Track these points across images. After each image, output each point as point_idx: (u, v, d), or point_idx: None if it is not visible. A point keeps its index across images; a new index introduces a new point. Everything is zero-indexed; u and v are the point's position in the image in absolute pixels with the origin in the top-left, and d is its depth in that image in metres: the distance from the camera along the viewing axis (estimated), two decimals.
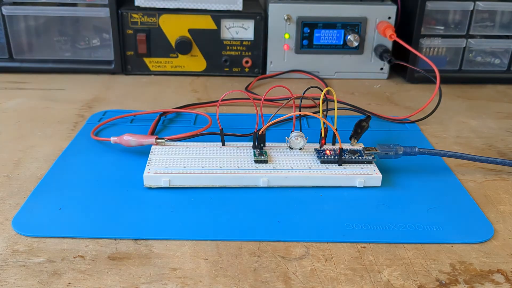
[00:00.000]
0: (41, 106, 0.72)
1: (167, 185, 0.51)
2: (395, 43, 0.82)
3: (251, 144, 0.57)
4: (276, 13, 0.82)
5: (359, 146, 0.56)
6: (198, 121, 0.67)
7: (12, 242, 0.43)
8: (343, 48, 0.84)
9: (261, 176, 0.51)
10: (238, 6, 0.81)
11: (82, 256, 0.42)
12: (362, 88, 0.83)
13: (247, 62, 0.85)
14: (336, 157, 0.54)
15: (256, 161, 0.53)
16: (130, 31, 0.82)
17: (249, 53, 0.84)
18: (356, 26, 0.83)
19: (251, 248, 0.43)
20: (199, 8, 0.81)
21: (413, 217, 0.48)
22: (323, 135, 0.55)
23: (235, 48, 0.84)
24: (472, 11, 0.81)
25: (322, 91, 0.54)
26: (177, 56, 0.84)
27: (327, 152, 0.55)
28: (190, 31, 0.82)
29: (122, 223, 0.46)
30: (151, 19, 0.81)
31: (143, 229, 0.45)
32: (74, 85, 0.80)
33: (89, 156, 0.57)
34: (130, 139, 0.57)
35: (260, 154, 0.54)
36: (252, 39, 0.83)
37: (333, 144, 0.57)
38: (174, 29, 0.82)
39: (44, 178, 0.53)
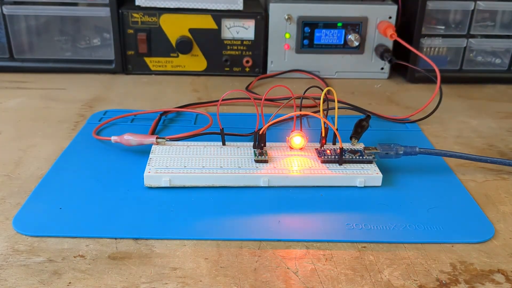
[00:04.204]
0: (42, 105, 0.72)
1: (168, 185, 0.51)
2: (395, 42, 0.82)
3: (251, 143, 0.57)
4: (276, 13, 0.82)
5: (360, 146, 0.56)
6: (199, 121, 0.67)
7: (13, 241, 0.43)
8: (344, 47, 0.84)
9: (262, 175, 0.51)
10: (239, 5, 0.81)
11: (83, 256, 0.42)
12: (363, 87, 0.83)
13: (247, 61, 0.85)
14: (336, 156, 0.54)
15: (257, 161, 0.53)
16: (131, 31, 0.82)
17: (250, 53, 0.84)
18: (356, 25, 0.83)
19: (252, 248, 0.43)
20: (199, 7, 0.81)
21: (414, 216, 0.48)
22: (323, 134, 0.55)
23: (235, 47, 0.84)
24: (472, 10, 0.81)
25: (322, 90, 0.54)
26: (177, 56, 0.84)
27: (328, 151, 0.55)
28: (190, 30, 0.82)
29: (123, 223, 0.46)
30: (151, 19, 0.81)
31: (144, 229, 0.45)
32: (74, 85, 0.80)
33: (90, 155, 0.57)
34: (130, 138, 0.57)
35: (261, 154, 0.54)
36: (253, 38, 0.83)
37: (334, 143, 0.57)
38: (174, 28, 0.82)
39: (44, 177, 0.53)
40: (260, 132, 0.55)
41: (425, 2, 0.80)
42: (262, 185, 0.52)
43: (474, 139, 0.66)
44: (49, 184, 0.51)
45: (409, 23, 0.83)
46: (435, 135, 0.66)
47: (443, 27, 0.83)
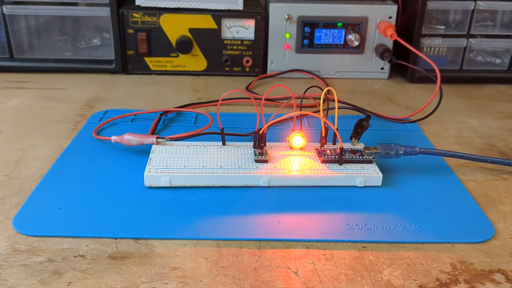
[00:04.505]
0: (42, 105, 0.72)
1: (168, 185, 0.51)
2: (395, 42, 0.82)
3: (251, 143, 0.57)
4: (276, 13, 0.82)
5: (360, 146, 0.56)
6: (199, 121, 0.67)
7: (13, 241, 0.43)
8: (344, 47, 0.84)
9: (262, 175, 0.51)
10: (239, 5, 0.81)
11: (83, 256, 0.42)
12: (363, 87, 0.83)
13: (247, 61, 0.85)
14: (336, 156, 0.54)
15: (257, 161, 0.53)
16: (131, 31, 0.82)
17: (250, 53, 0.84)
18: (356, 25, 0.83)
19: (252, 248, 0.43)
20: (199, 7, 0.81)
21: (414, 216, 0.48)
22: (323, 134, 0.55)
23: (235, 47, 0.84)
24: (473, 10, 0.81)
25: (322, 90, 0.54)
26: (177, 56, 0.84)
27: (328, 151, 0.55)
28: (190, 30, 0.82)
29: (123, 223, 0.46)
30: (151, 19, 0.81)
31: (144, 229, 0.45)
32: (74, 85, 0.80)
33: (90, 155, 0.57)
34: (130, 138, 0.57)
35: (261, 154, 0.54)
36: (253, 38, 0.83)
37: (334, 143, 0.57)
38: (174, 28, 0.82)
39: (44, 177, 0.53)
40: (260, 132, 0.55)
41: (425, 2, 0.80)
42: (262, 185, 0.52)
43: (474, 139, 0.66)
44: (49, 184, 0.51)
45: (409, 23, 0.83)
46: (435, 135, 0.66)
47: (443, 27, 0.83)
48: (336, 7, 0.82)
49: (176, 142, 0.57)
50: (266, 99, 0.71)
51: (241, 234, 0.45)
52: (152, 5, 0.81)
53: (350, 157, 0.54)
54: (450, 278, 0.40)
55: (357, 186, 0.52)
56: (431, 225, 0.47)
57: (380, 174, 0.52)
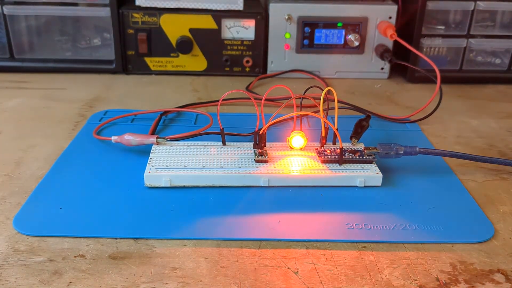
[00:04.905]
0: (42, 105, 0.72)
1: (168, 185, 0.51)
2: (395, 42, 0.82)
3: (251, 143, 0.57)
4: (277, 13, 0.82)
5: (360, 146, 0.56)
6: (199, 121, 0.67)
7: (13, 241, 0.43)
8: (344, 47, 0.84)
9: (262, 175, 0.51)
10: (239, 5, 0.81)
11: (83, 256, 0.42)
12: (363, 87, 0.83)
13: (247, 61, 0.85)
14: (336, 156, 0.54)
15: (257, 161, 0.53)
16: (131, 31, 0.82)
17: (250, 53, 0.84)
18: (356, 25, 0.83)
19: (252, 248, 0.43)
20: (200, 7, 0.81)
21: (414, 216, 0.48)
22: (323, 134, 0.55)
23: (235, 47, 0.84)
24: (472, 11, 0.81)
25: (322, 90, 0.54)
26: (178, 56, 0.84)
27: (328, 151, 0.55)
28: (191, 30, 0.82)
29: (123, 223, 0.46)
30: (152, 19, 0.81)
31: (144, 229, 0.45)
32: (75, 85, 0.80)
33: (90, 155, 0.57)
34: (131, 138, 0.57)
35: (261, 154, 0.54)
36: (253, 38, 0.83)
37: (334, 143, 0.57)
38: (175, 28, 0.82)
39: (45, 177, 0.53)
40: (260, 132, 0.55)
41: (425, 2, 0.80)
42: (262, 185, 0.52)
43: (474, 139, 0.66)
44: (50, 184, 0.51)
45: (409, 23, 0.83)
46: (435, 135, 0.66)
47: (443, 27, 0.83)
48: (336, 7, 0.82)
49: (176, 142, 0.57)
50: (266, 99, 0.71)
51: (241, 234, 0.45)
52: (152, 5, 0.81)
53: (350, 157, 0.54)
54: (450, 278, 0.40)
55: (357, 186, 0.52)
56: (431, 225, 0.47)
57: (380, 174, 0.52)
